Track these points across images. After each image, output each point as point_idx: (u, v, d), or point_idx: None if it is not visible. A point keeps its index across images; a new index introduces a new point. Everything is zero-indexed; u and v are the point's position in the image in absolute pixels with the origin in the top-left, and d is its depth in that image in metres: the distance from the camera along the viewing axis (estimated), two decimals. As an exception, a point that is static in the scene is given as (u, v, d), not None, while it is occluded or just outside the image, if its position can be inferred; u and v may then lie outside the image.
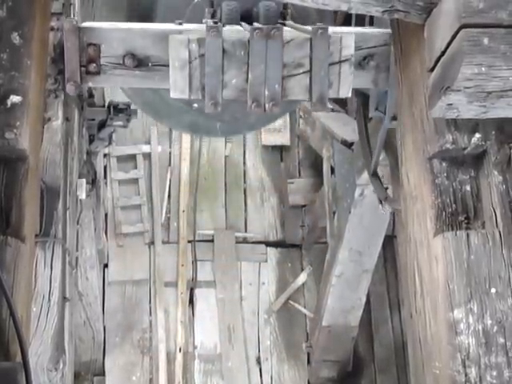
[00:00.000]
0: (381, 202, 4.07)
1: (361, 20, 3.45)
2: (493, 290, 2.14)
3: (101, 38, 2.59)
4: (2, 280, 1.99)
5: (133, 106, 4.99)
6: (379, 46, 2.69)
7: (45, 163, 3.61)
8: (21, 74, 2.25)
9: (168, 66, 2.41)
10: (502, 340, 2.09)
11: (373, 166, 3.99)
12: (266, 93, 2.35)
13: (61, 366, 3.40)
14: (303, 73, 2.39)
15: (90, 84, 2.53)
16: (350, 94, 2.47)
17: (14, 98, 2.20)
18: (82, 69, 2.54)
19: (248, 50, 2.36)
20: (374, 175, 4.06)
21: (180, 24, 2.74)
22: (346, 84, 2.43)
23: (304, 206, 6.74)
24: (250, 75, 2.36)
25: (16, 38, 2.27)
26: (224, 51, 2.36)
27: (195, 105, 3.23)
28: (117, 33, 2.61)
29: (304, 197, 6.72)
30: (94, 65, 2.53)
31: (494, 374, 2.06)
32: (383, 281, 6.49)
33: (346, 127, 5.06)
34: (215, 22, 2.57)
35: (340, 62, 2.45)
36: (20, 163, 2.22)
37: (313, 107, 2.42)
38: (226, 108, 3.31)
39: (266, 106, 2.36)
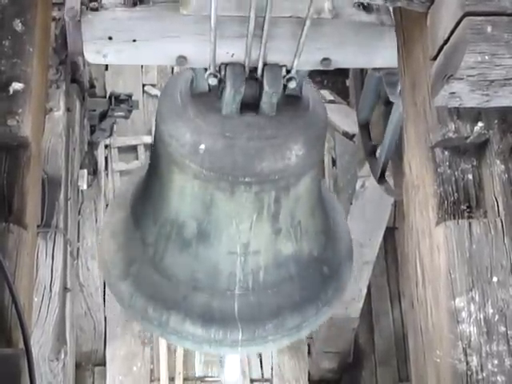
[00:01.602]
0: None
1: None
2: (494, 279, 2.14)
3: None
4: (4, 266, 1.99)
5: (134, 97, 5.00)
6: None
7: (46, 153, 3.62)
8: (23, 61, 2.25)
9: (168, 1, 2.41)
10: (503, 329, 2.09)
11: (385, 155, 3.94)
12: None
13: (62, 355, 3.41)
14: None
15: (90, 17, 2.52)
16: None
17: (17, 85, 2.20)
18: (83, 7, 2.53)
19: None
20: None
21: None
22: None
23: (305, 197, 6.74)
24: None
25: (18, 25, 2.26)
26: None
27: (202, 146, 3.02)
28: None
29: (305, 188, 6.71)
30: (95, 2, 2.53)
31: (496, 362, 2.06)
32: (384, 272, 6.50)
33: (347, 119, 5.07)
34: None
35: None
36: (22, 150, 2.22)
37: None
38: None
39: None
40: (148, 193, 3.27)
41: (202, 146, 2.84)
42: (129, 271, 3.25)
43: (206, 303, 3.17)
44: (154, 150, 3.15)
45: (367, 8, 2.63)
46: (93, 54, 2.64)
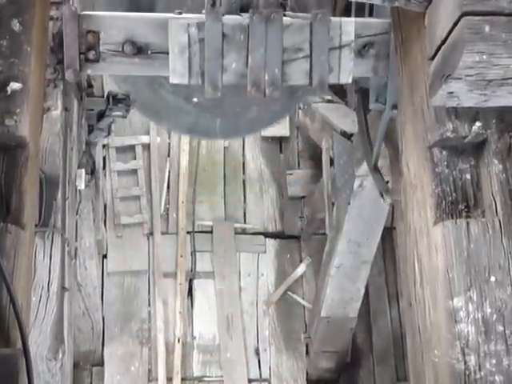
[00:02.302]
0: (382, 195, 4.07)
1: (360, 11, 3.44)
2: (492, 279, 2.14)
3: (100, 26, 2.58)
4: (2, 266, 1.99)
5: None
6: (379, 35, 2.68)
7: (44, 153, 3.60)
8: (21, 60, 2.24)
9: (167, 53, 2.40)
10: (501, 328, 2.09)
11: (374, 157, 3.99)
12: (266, 77, 2.34)
13: (60, 355, 3.40)
14: (303, 57, 2.39)
15: (90, 71, 2.52)
16: (350, 80, 2.46)
17: (14, 85, 2.20)
18: (82, 56, 2.52)
19: (248, 34, 2.35)
20: (375, 168, 4.06)
21: (180, 14, 2.73)
22: (347, 70, 2.43)
23: (303, 197, 6.74)
24: (249, 59, 2.36)
25: (16, 25, 2.26)
26: (224, 35, 2.35)
27: (195, 99, 3.18)
28: (116, 20, 2.60)
29: (303, 188, 6.72)
30: (94, 52, 2.52)
31: (494, 361, 2.06)
32: (382, 272, 6.50)
33: (345, 119, 5.06)
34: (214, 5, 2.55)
35: (340, 47, 2.44)
36: (20, 150, 2.22)
37: (313, 93, 2.41)
38: (225, 103, 3.31)
39: (266, 90, 2.34)
40: None
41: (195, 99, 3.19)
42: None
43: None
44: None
45: (364, 54, 2.66)
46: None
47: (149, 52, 2.56)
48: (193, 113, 3.81)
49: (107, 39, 2.57)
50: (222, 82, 2.37)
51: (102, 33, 2.56)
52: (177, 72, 2.35)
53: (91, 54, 2.52)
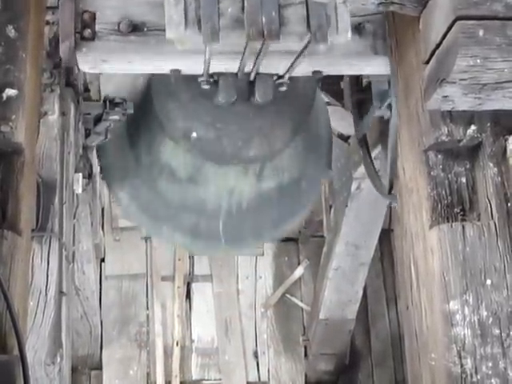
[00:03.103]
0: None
1: None
2: (488, 282, 2.14)
3: (96, 6, 2.55)
4: (-1, 273, 1.99)
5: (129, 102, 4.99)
6: (373, 14, 2.64)
7: (41, 158, 3.60)
8: (16, 67, 2.25)
9: (164, 29, 2.39)
10: (497, 331, 2.10)
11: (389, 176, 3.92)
12: (264, 19, 2.32)
13: (58, 360, 3.39)
14: (299, 3, 2.36)
15: (84, 50, 2.50)
16: (349, 37, 2.40)
17: (10, 92, 2.20)
18: (77, 35, 2.50)
19: None
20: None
21: None
22: (344, 21, 2.39)
23: (301, 199, 6.74)
24: (245, 3, 2.34)
25: (11, 31, 2.26)
26: None
27: (194, 134, 3.24)
28: (112, 1, 2.58)
29: (300, 191, 6.72)
30: (89, 31, 2.50)
31: (490, 364, 2.07)
32: (380, 274, 6.50)
33: (342, 121, 5.06)
34: None
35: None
36: (16, 156, 2.22)
37: (313, 41, 2.34)
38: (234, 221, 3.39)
39: (265, 32, 2.31)
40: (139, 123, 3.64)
41: (194, 135, 3.13)
42: (124, 184, 3.69)
43: (195, 222, 3.63)
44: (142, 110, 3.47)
45: (361, 31, 2.63)
46: (87, 68, 2.65)
47: (145, 29, 2.55)
48: (193, 214, 3.63)
49: (103, 19, 2.54)
50: (219, 27, 2.33)
51: (98, 12, 2.54)
52: (173, 22, 2.32)
53: (87, 32, 2.50)
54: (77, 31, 2.50)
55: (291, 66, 2.63)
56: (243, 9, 2.35)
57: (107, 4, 2.57)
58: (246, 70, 2.70)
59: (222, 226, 3.58)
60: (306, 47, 2.41)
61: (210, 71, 2.70)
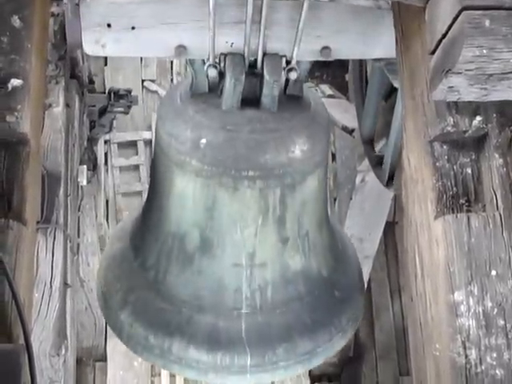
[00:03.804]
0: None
1: None
2: (493, 273, 2.14)
3: None
4: (4, 262, 2.00)
5: (133, 93, 5.00)
6: None
7: (46, 150, 3.62)
8: (22, 57, 2.24)
9: None
10: (502, 322, 2.10)
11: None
12: None
13: (63, 351, 3.41)
14: None
15: (88, 0, 2.49)
16: None
17: (15, 82, 2.20)
18: None
19: None
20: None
21: None
22: None
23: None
24: None
25: (16, 21, 2.26)
26: None
27: (202, 141, 2.77)
28: None
29: (305, 183, 6.72)
30: None
31: (494, 355, 2.07)
32: (384, 267, 6.51)
33: (346, 114, 5.07)
34: None
35: None
36: (21, 147, 2.22)
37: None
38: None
39: None
40: (148, 211, 3.20)
41: (203, 141, 2.76)
42: (127, 299, 3.10)
43: (212, 325, 2.97)
44: (154, 160, 3.06)
45: None
46: (91, 44, 2.62)
47: None
48: (209, 320, 3.00)
49: None
50: None
51: None
52: None
53: None
54: None
55: (297, 35, 2.55)
56: None
57: None
58: (253, 46, 2.60)
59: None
60: None
61: (216, 51, 2.63)
